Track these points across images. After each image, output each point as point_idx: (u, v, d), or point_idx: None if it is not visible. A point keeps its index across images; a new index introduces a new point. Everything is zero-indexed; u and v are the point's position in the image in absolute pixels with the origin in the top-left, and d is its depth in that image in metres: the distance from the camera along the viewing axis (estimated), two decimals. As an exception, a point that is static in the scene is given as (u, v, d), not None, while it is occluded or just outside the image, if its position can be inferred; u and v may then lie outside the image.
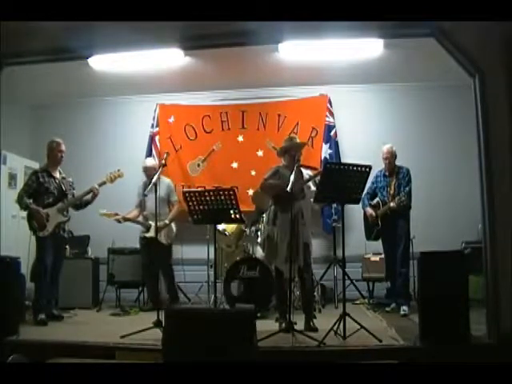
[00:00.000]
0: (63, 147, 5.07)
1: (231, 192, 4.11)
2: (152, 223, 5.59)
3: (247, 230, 5.55)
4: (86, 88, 6.45)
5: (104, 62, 5.41)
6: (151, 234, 5.58)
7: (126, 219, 5.60)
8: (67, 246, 5.82)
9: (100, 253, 6.17)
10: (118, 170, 5.07)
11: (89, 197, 5.04)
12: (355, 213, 5.76)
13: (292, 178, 4.02)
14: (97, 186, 4.98)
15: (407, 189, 5.15)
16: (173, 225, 5.77)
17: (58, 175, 5.08)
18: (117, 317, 5.37)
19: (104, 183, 5.02)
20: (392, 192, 5.25)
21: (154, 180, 4.54)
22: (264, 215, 5.32)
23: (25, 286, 5.08)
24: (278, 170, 4.51)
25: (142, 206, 5.78)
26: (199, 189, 5.27)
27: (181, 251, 6.24)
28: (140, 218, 5.74)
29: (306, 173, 4.47)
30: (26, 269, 5.30)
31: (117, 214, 5.55)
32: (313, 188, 4.36)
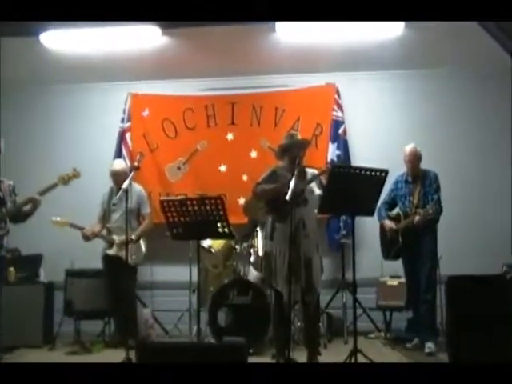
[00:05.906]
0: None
1: (218, 201, 4.11)
2: (116, 238, 5.55)
3: (237, 247, 5.54)
4: (39, 72, 6.40)
5: (61, 40, 5.40)
6: (114, 251, 5.57)
7: (95, 235, 5.59)
8: (12, 268, 5.72)
9: (55, 276, 6.11)
10: (74, 170, 5.00)
11: (28, 207, 4.83)
12: (368, 226, 5.76)
13: (292, 184, 3.99)
14: (37, 196, 4.74)
15: (435, 197, 5.14)
16: (142, 243, 5.73)
17: None
18: (75, 355, 5.34)
19: (55, 185, 4.89)
20: (416, 201, 5.25)
21: (124, 186, 4.50)
22: (258, 229, 5.30)
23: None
24: (274, 171, 4.53)
25: (105, 217, 5.76)
26: (180, 197, 5.30)
27: (154, 273, 6.26)
28: (103, 232, 5.71)
29: (311, 173, 4.44)
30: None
31: (81, 228, 5.53)
32: (317, 192, 4.34)
